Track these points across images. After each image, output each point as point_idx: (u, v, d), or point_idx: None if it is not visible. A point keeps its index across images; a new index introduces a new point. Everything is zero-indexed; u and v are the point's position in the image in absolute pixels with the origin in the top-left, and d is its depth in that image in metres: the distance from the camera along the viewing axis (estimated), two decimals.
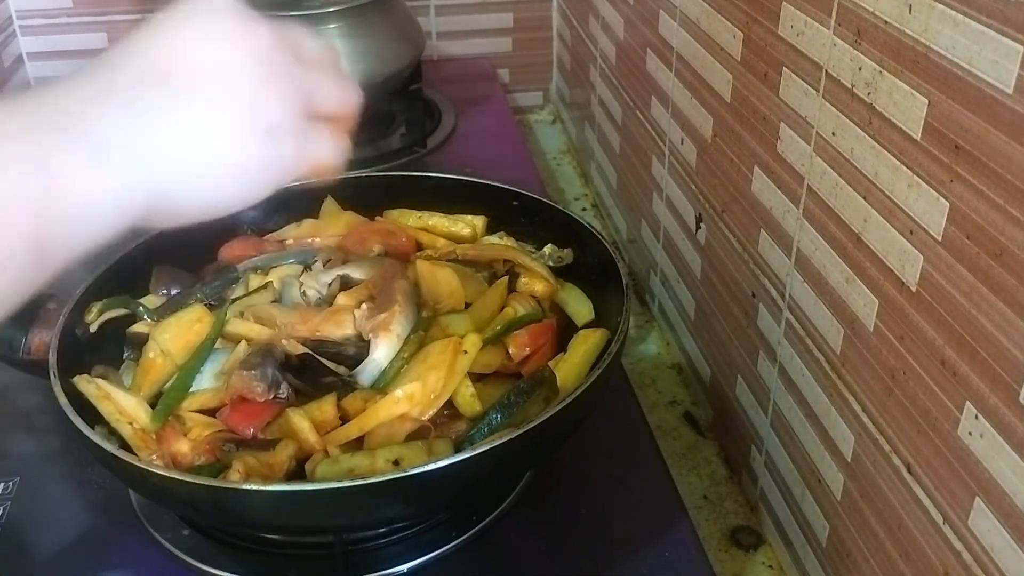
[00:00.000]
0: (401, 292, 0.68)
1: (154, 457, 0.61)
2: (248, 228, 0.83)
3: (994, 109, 0.43)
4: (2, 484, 0.73)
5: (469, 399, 0.63)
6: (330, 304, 0.70)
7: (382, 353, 0.65)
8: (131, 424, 0.62)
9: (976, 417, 0.47)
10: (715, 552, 0.76)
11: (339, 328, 0.67)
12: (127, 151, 0.40)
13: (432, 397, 0.62)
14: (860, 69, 0.55)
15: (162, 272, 0.77)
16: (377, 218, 0.83)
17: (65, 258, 0.39)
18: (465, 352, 0.64)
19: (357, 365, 0.65)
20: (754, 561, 0.76)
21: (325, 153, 0.48)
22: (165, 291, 0.76)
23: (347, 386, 0.64)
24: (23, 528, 0.69)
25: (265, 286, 0.74)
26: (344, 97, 0.49)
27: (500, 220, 0.81)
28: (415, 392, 0.62)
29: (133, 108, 0.41)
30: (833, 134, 0.59)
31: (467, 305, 0.70)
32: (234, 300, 0.73)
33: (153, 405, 0.64)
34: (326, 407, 0.62)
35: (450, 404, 0.63)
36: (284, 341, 0.66)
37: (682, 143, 0.88)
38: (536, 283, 0.74)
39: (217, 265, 0.80)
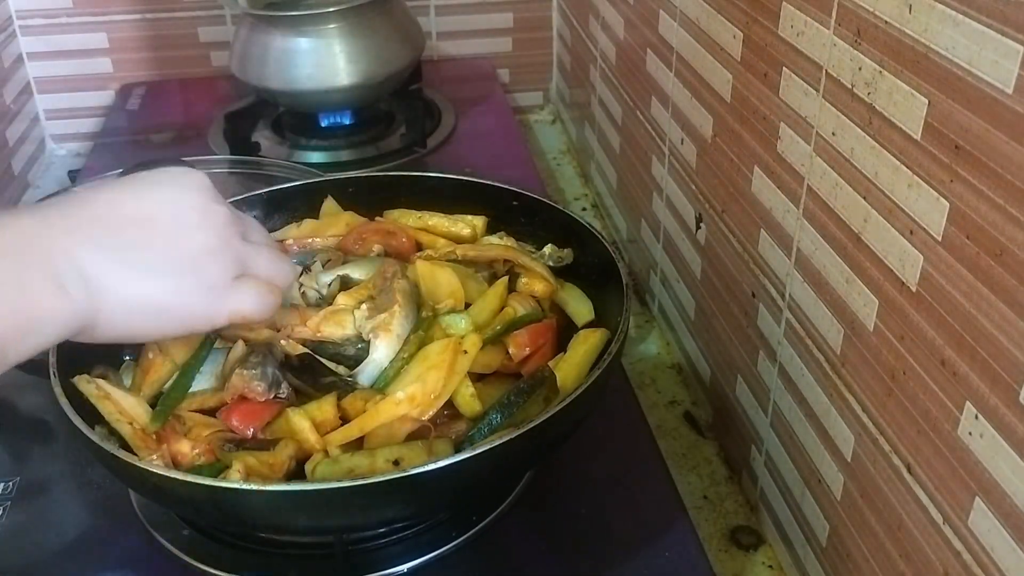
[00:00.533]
0: (401, 292, 0.68)
1: (154, 457, 0.61)
2: None
3: (994, 109, 0.43)
4: (2, 484, 0.73)
5: (469, 399, 0.63)
6: (330, 304, 0.70)
7: (382, 353, 0.65)
8: (131, 424, 0.62)
9: (976, 417, 0.47)
10: (715, 552, 0.76)
11: (339, 328, 0.67)
12: (83, 281, 0.47)
13: (432, 397, 0.62)
14: (860, 69, 0.55)
15: None
16: (377, 218, 0.82)
17: (14, 362, 0.46)
18: (465, 352, 0.64)
19: (357, 365, 0.65)
20: (754, 561, 0.76)
21: (247, 307, 0.55)
22: None
23: (347, 386, 0.64)
24: (23, 528, 0.69)
25: None
26: (278, 272, 0.57)
27: (500, 220, 0.81)
28: (415, 393, 0.62)
29: (94, 245, 0.48)
30: (833, 134, 0.59)
31: (467, 305, 0.70)
32: None
33: (153, 405, 0.64)
34: (326, 407, 0.62)
35: (450, 404, 0.63)
36: (284, 341, 0.66)
37: (682, 143, 0.88)
38: (536, 283, 0.74)
39: None
